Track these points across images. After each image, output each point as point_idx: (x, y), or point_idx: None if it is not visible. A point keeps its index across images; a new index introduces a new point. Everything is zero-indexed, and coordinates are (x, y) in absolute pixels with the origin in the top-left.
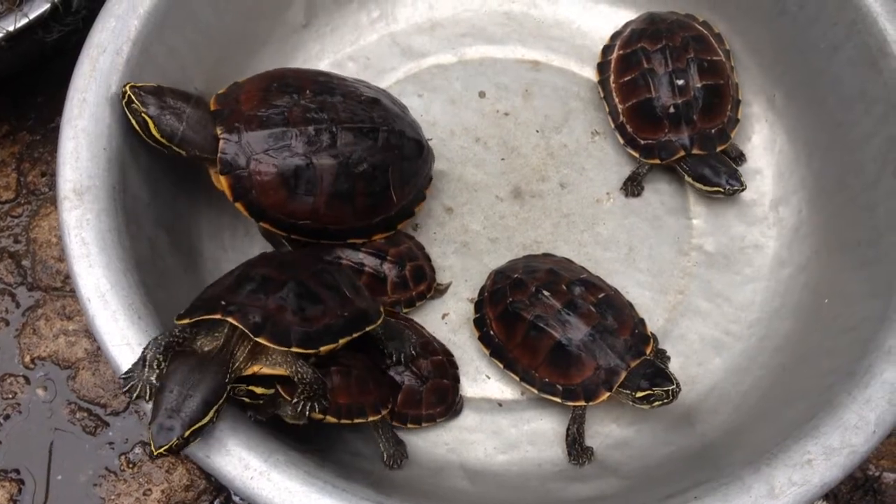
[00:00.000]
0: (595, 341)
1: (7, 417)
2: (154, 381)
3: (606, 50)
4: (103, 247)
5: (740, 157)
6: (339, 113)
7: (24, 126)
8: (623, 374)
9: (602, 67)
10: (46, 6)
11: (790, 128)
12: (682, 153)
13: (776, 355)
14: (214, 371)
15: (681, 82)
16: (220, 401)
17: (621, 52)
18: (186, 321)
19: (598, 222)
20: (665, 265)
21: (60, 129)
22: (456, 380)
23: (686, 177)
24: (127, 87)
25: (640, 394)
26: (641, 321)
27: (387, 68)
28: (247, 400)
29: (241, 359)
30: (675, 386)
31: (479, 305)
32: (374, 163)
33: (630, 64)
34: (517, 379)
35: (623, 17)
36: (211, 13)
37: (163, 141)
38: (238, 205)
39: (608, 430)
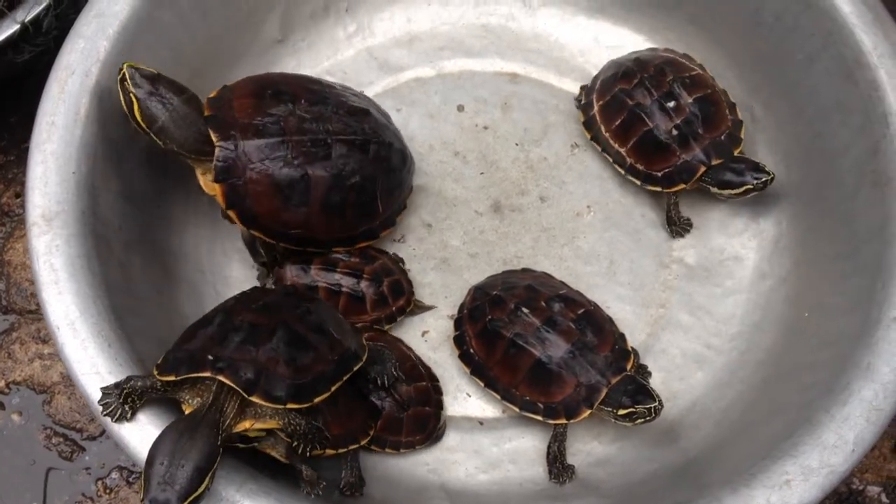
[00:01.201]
0: (575, 358)
1: None
2: (128, 411)
3: (586, 108)
4: (73, 273)
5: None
6: (333, 124)
7: None
8: (604, 391)
9: (588, 124)
10: (16, 27)
11: (769, 139)
12: (703, 168)
13: (758, 369)
14: (205, 434)
15: (672, 104)
16: (214, 466)
17: (601, 101)
18: (171, 378)
19: (578, 236)
20: (646, 278)
21: (29, 154)
22: (439, 406)
23: (712, 190)
24: (125, 66)
25: (622, 411)
26: (622, 336)
27: (364, 82)
28: (241, 445)
29: (230, 415)
30: (657, 403)
31: (458, 323)
32: (365, 175)
33: (615, 108)
34: (498, 397)
35: (601, 28)
36: (183, 31)
37: (143, 125)
38: (231, 212)
39: (590, 448)
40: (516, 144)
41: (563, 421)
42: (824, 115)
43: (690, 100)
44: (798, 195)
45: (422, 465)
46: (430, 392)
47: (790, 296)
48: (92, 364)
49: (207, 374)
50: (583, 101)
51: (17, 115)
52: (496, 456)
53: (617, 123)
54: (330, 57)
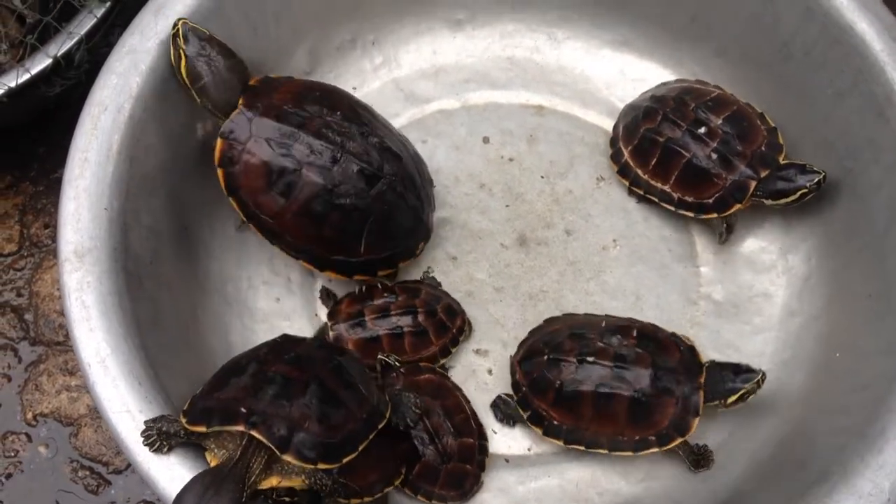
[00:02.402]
0: (660, 380)
1: (9, 476)
2: (164, 446)
3: (616, 156)
4: (104, 310)
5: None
6: (353, 144)
7: (26, 177)
8: (700, 397)
9: (624, 172)
10: (48, 61)
11: None
12: (753, 183)
13: (788, 410)
14: (230, 490)
15: (703, 129)
16: None
17: (630, 146)
18: (202, 429)
19: (604, 270)
20: (673, 314)
21: (62, 190)
22: (481, 467)
23: (766, 203)
24: (180, 22)
25: (732, 398)
26: (691, 348)
27: (391, 114)
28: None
29: (256, 471)
30: (759, 373)
31: (523, 401)
32: (358, 205)
33: (647, 148)
34: (606, 452)
35: (627, 61)
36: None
37: (186, 80)
38: (219, 171)
39: (617, 488)
40: (542, 177)
41: (673, 443)
42: (855, 152)
43: (720, 121)
44: (828, 232)
45: None
46: (474, 450)
47: (821, 335)
48: (122, 402)
49: (241, 429)
50: (611, 152)
51: (46, 145)
52: (522, 495)
53: (653, 163)
54: (357, 88)
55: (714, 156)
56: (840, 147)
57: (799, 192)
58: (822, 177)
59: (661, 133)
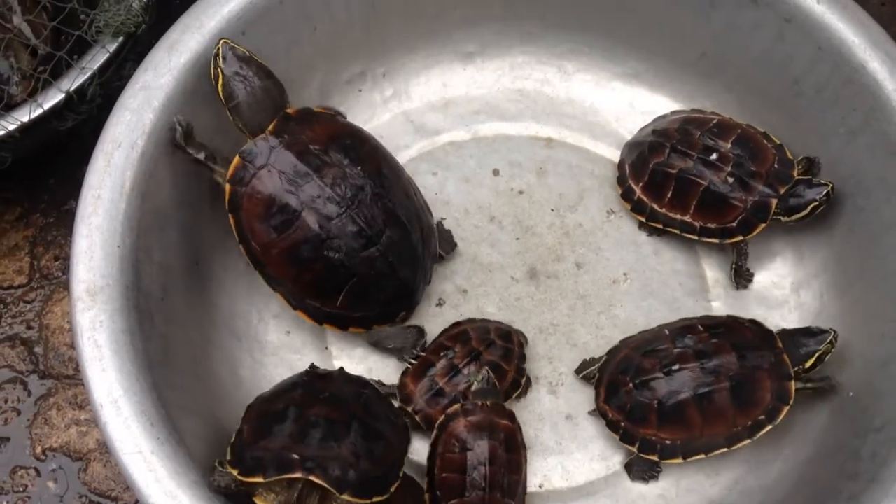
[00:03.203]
0: (746, 360)
1: None
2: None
3: (628, 194)
4: (116, 350)
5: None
6: (361, 204)
7: (36, 209)
8: (787, 361)
9: (638, 208)
10: (61, 96)
11: None
12: (775, 201)
13: (801, 448)
14: None
15: (714, 156)
16: None
17: (642, 182)
18: (259, 480)
19: (615, 304)
20: None
21: (74, 227)
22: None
23: (783, 219)
24: (220, 42)
25: (810, 361)
26: (754, 321)
27: (401, 146)
28: None
29: None
30: (831, 332)
31: (627, 437)
32: (344, 262)
33: (660, 182)
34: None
35: (636, 94)
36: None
37: (222, 98)
38: (227, 187)
39: None
40: (552, 210)
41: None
42: (867, 190)
43: (728, 144)
44: (840, 269)
45: None
46: (522, 486)
47: (834, 373)
48: (135, 444)
49: (299, 475)
50: (621, 191)
51: (56, 177)
52: None
53: (669, 196)
54: (367, 121)
55: (730, 179)
56: (851, 185)
57: (810, 206)
58: (830, 188)
59: (672, 165)
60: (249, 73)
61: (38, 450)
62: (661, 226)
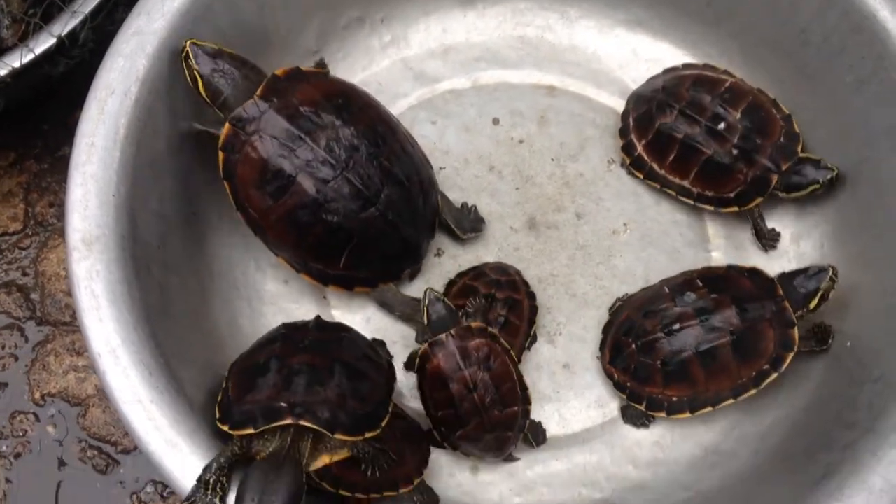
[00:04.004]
0: (747, 312)
1: (18, 456)
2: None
3: (628, 148)
4: (113, 300)
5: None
6: (357, 163)
7: (30, 155)
8: (788, 308)
9: (637, 165)
10: (52, 41)
11: None
12: (775, 177)
13: (798, 395)
14: (290, 472)
15: (722, 125)
16: (301, 502)
17: (645, 140)
18: (250, 431)
19: (614, 254)
20: None
21: (68, 175)
22: (521, 429)
23: (780, 195)
24: (187, 44)
25: (813, 301)
26: (753, 270)
27: (399, 94)
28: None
29: (306, 454)
30: (829, 268)
31: (634, 396)
32: (344, 225)
33: (664, 144)
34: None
35: (640, 41)
36: (222, 45)
37: (207, 99)
38: (220, 153)
39: (625, 473)
40: (552, 159)
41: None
42: (873, 140)
43: (738, 114)
44: (842, 220)
45: (455, 486)
46: (517, 417)
47: (832, 323)
48: (133, 392)
49: (289, 422)
50: (622, 143)
51: (49, 123)
52: (530, 479)
53: (671, 159)
54: (365, 68)
55: (735, 151)
56: (857, 136)
57: (810, 188)
58: (834, 174)
59: (678, 129)
60: (226, 66)
61: (37, 395)
62: (658, 185)
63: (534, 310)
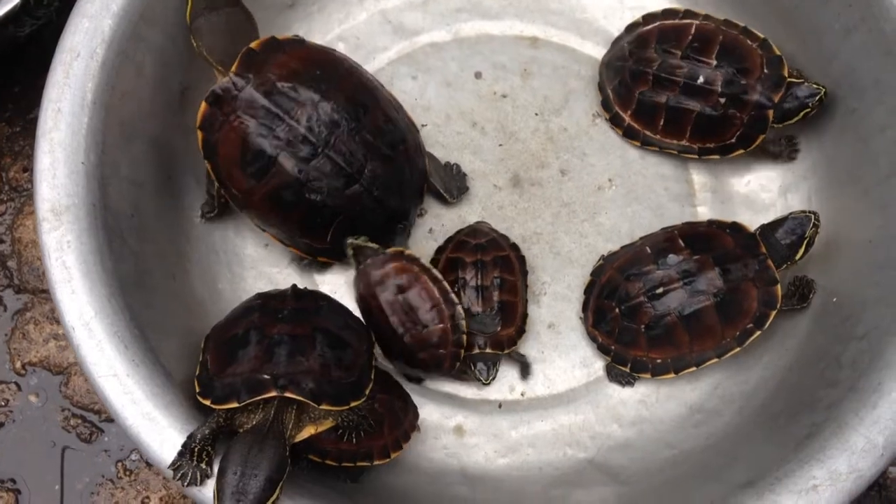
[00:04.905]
0: (730, 273)
1: (1, 426)
2: (205, 469)
3: (616, 120)
4: (86, 271)
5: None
6: (339, 140)
7: (1, 118)
8: (771, 266)
9: (630, 133)
10: (16, 1)
11: None
12: (771, 111)
13: (782, 354)
14: (274, 445)
15: (702, 79)
16: (284, 476)
17: (630, 110)
18: (234, 405)
19: (599, 211)
20: None
21: (35, 143)
22: (458, 345)
23: (776, 126)
24: None
25: (799, 253)
26: (734, 225)
27: (378, 48)
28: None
29: (289, 426)
30: (811, 215)
31: (619, 358)
32: (328, 203)
33: (650, 112)
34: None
35: None
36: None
37: (188, 18)
38: (199, 133)
39: (609, 431)
40: (536, 114)
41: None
42: (860, 91)
43: (713, 61)
44: (830, 172)
45: (440, 448)
46: (448, 333)
47: (818, 278)
48: (109, 366)
49: (273, 394)
50: (608, 116)
51: (20, 85)
52: (515, 440)
53: (661, 123)
54: (342, 21)
55: (723, 100)
56: (845, 86)
57: (802, 112)
58: (822, 93)
59: (658, 95)
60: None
61: (18, 364)
62: (657, 148)
63: (522, 260)
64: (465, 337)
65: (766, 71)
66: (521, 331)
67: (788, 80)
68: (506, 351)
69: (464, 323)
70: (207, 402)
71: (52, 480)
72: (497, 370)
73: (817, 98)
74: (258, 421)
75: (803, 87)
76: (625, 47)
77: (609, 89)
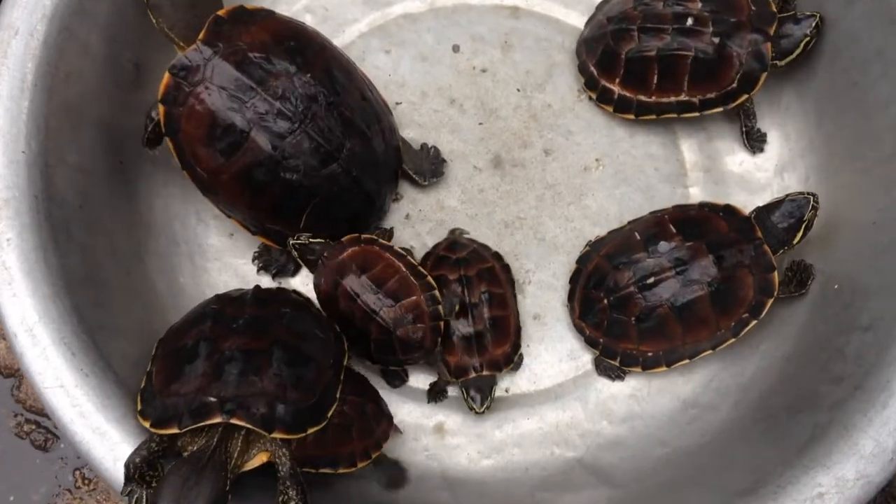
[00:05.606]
0: (725, 261)
1: None
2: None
3: (605, 94)
4: (28, 270)
5: None
6: (315, 115)
7: None
8: (767, 252)
9: (622, 105)
10: None
11: (798, 82)
12: (768, 45)
13: (780, 344)
14: (212, 478)
15: (690, 21)
16: None
17: (618, 79)
18: (174, 431)
19: (586, 193)
20: None
21: None
22: (436, 317)
23: (777, 64)
24: None
25: (797, 237)
26: (727, 206)
27: (348, 20)
28: None
29: (235, 454)
30: (810, 197)
31: (608, 351)
32: (304, 183)
33: (640, 71)
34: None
35: None
36: None
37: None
38: (161, 108)
39: (599, 428)
40: (518, 90)
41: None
42: (862, 63)
43: (698, 3)
44: (830, 149)
45: (420, 451)
46: (421, 305)
47: (817, 263)
48: (55, 377)
49: (218, 420)
50: (595, 95)
51: None
52: (499, 439)
53: (655, 81)
54: None
55: (716, 39)
56: (847, 58)
57: (803, 44)
58: (817, 18)
59: (648, 47)
60: None
61: None
62: (654, 116)
63: (507, 269)
64: (441, 308)
65: (753, 7)
66: (516, 346)
67: (779, 15)
68: (503, 371)
69: (437, 293)
70: (147, 424)
71: (4, 491)
72: (492, 398)
73: (813, 25)
74: (199, 448)
75: (797, 20)
76: (602, 18)
77: (592, 65)
